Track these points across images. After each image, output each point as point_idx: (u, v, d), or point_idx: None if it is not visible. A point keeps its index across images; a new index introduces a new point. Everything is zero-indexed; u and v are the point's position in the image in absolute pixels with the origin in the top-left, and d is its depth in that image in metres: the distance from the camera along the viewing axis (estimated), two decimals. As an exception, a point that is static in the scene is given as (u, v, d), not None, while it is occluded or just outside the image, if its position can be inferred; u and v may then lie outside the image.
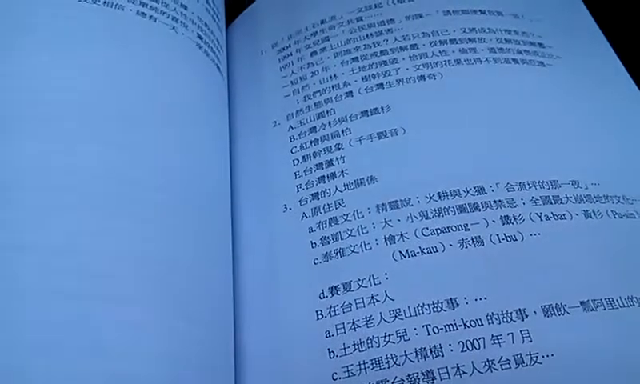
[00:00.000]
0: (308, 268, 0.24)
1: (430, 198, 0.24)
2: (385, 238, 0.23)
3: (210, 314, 0.23)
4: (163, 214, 0.23)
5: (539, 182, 0.24)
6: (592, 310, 0.21)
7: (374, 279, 0.23)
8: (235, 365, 0.23)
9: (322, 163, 0.27)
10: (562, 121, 0.27)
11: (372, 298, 0.22)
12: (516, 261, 0.22)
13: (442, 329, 0.21)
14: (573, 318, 0.21)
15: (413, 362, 0.21)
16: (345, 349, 0.21)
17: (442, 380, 0.20)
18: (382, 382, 0.21)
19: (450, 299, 0.22)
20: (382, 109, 0.27)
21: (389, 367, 0.21)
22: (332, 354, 0.22)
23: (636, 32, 0.33)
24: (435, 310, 0.21)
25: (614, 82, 0.29)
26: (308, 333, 0.22)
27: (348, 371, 0.21)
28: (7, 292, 0.19)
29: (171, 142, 0.25)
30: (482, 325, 0.21)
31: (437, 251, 0.23)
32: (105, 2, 0.26)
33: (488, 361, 0.20)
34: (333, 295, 0.23)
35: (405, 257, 0.23)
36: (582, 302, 0.21)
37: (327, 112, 0.28)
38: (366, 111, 0.27)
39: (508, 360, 0.20)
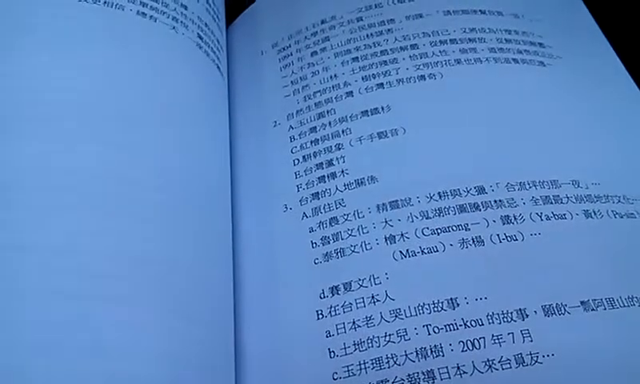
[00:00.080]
0: (308, 268, 0.24)
1: (431, 197, 0.24)
2: (385, 238, 0.23)
3: (210, 314, 0.23)
4: (163, 214, 0.23)
5: (539, 181, 0.24)
6: (592, 309, 0.21)
7: (374, 279, 0.23)
8: (235, 365, 0.23)
9: (322, 163, 0.26)
10: (562, 120, 0.27)
11: (372, 297, 0.22)
12: (516, 261, 0.22)
13: (442, 329, 0.21)
14: (573, 317, 0.21)
15: (413, 361, 0.21)
16: (345, 349, 0.21)
17: (442, 380, 0.20)
18: (382, 381, 0.21)
19: (451, 299, 0.22)
20: (383, 109, 0.27)
21: (389, 367, 0.21)
22: (332, 353, 0.22)
23: (636, 32, 0.33)
24: (436, 309, 0.21)
25: (614, 81, 0.29)
26: (308, 333, 0.22)
27: (348, 371, 0.21)
28: (7, 292, 0.19)
29: (171, 142, 0.25)
30: (483, 325, 0.21)
31: (437, 251, 0.23)
32: (105, 2, 0.26)
33: (488, 360, 0.20)
34: (333, 295, 0.23)
35: (405, 257, 0.23)
36: (582, 302, 0.21)
37: (327, 112, 0.28)
38: (367, 111, 0.27)
39: (508, 360, 0.20)
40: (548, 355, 0.20)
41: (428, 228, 0.23)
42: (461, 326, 0.21)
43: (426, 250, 0.23)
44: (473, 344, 0.21)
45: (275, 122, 0.29)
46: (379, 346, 0.21)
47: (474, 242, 0.23)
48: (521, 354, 0.20)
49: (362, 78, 0.29)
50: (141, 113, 0.24)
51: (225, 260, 0.25)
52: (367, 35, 0.30)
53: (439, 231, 0.23)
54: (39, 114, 0.22)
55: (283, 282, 0.24)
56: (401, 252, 0.23)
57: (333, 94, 0.29)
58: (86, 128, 0.23)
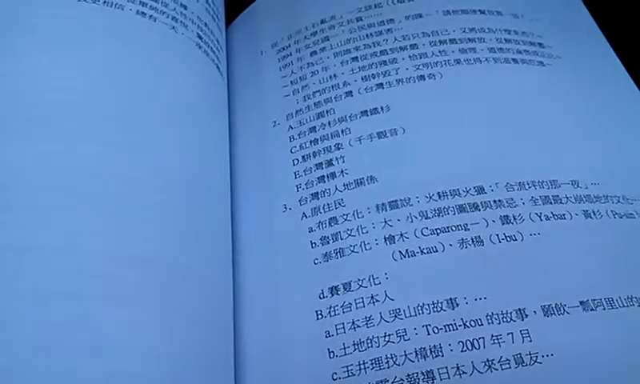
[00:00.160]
0: (308, 268, 0.24)
1: (430, 197, 0.24)
2: (385, 238, 0.23)
3: (209, 314, 0.23)
4: (163, 214, 0.23)
5: (539, 181, 0.24)
6: (592, 309, 0.21)
7: (373, 279, 0.23)
8: (235, 365, 0.23)
9: (321, 163, 0.27)
10: (561, 120, 0.27)
11: (372, 297, 0.22)
12: (516, 261, 0.22)
13: (441, 329, 0.21)
14: (572, 317, 0.21)
15: (413, 361, 0.21)
16: (345, 349, 0.21)
17: (441, 380, 0.20)
18: (381, 381, 0.21)
19: (450, 299, 0.22)
20: (382, 109, 0.27)
21: (389, 367, 0.21)
22: (332, 353, 0.22)
23: (636, 32, 0.33)
24: (435, 309, 0.21)
25: (614, 81, 0.29)
26: (308, 333, 0.22)
27: (348, 371, 0.21)
28: (7, 292, 0.19)
29: (171, 141, 0.25)
30: (482, 325, 0.21)
31: (436, 251, 0.23)
32: (104, 2, 0.26)
33: (488, 361, 0.20)
34: (333, 295, 0.23)
35: (405, 257, 0.23)
36: (581, 302, 0.21)
37: (327, 112, 0.28)
38: (366, 111, 0.27)
39: (508, 360, 0.20)
40: (547, 355, 0.20)
41: (427, 228, 0.23)
42: (460, 326, 0.21)
43: (425, 250, 0.23)
44: (472, 344, 0.21)
45: (275, 121, 0.29)
46: (379, 346, 0.21)
47: (473, 242, 0.23)
48: (520, 354, 0.20)
49: (362, 78, 0.29)
50: (140, 113, 0.24)
51: (224, 260, 0.25)
52: (367, 35, 0.30)
53: (438, 231, 0.23)
54: (39, 113, 0.22)
55: (283, 282, 0.24)
56: (400, 252, 0.23)
57: (332, 93, 0.29)
58: (85, 128, 0.23)
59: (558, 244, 0.23)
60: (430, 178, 0.25)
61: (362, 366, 0.21)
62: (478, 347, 0.20)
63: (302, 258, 0.24)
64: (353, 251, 0.23)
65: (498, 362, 0.20)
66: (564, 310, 0.21)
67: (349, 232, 0.24)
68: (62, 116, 0.22)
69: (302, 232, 0.25)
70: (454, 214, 0.24)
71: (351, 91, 0.28)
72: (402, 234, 0.23)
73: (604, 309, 0.21)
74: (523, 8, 0.32)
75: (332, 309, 0.22)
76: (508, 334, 0.21)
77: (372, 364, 0.21)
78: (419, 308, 0.22)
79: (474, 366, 0.20)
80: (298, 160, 0.27)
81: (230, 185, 0.28)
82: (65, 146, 0.22)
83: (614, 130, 0.27)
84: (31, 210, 0.20)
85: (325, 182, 0.26)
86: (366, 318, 0.22)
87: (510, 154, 0.25)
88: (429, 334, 0.21)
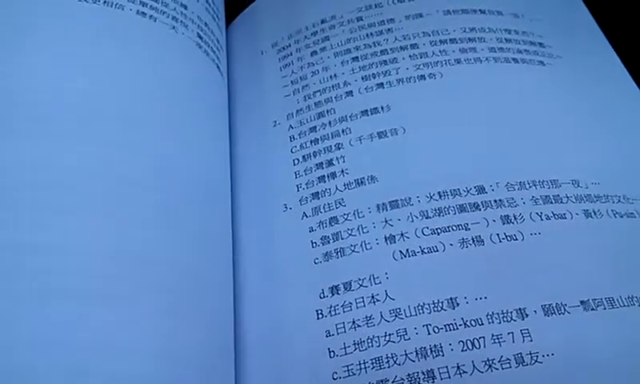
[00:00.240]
0: (308, 267, 0.24)
1: (431, 197, 0.24)
2: (385, 238, 0.23)
3: (209, 314, 0.23)
4: (163, 214, 0.23)
5: (539, 181, 0.24)
6: (592, 309, 0.21)
7: (374, 279, 0.23)
8: (235, 364, 0.23)
9: (322, 163, 0.26)
10: (562, 120, 0.27)
11: (372, 297, 0.22)
12: (516, 260, 0.22)
13: (442, 328, 0.21)
14: (573, 317, 0.21)
15: (413, 361, 0.21)
16: (345, 348, 0.21)
17: (442, 379, 0.20)
18: (382, 381, 0.21)
19: (451, 299, 0.22)
20: (382, 108, 0.27)
21: (389, 367, 0.21)
22: (332, 353, 0.22)
23: (636, 31, 0.33)
24: (435, 309, 0.21)
25: (614, 81, 0.29)
26: (308, 332, 0.22)
27: (348, 371, 0.21)
28: (7, 291, 0.19)
29: (171, 141, 0.25)
30: (483, 324, 0.21)
31: (437, 251, 0.23)
32: (105, 2, 0.26)
33: (488, 360, 0.20)
34: (333, 295, 0.23)
35: (405, 256, 0.23)
36: (582, 302, 0.21)
37: (327, 111, 0.28)
38: (366, 111, 0.27)
39: (508, 359, 0.20)
40: (548, 355, 0.20)
41: (428, 228, 0.23)
42: (461, 325, 0.21)
43: (425, 250, 0.23)
44: (473, 344, 0.21)
45: (275, 121, 0.29)
46: (379, 346, 0.21)
47: (473, 241, 0.23)
48: (521, 353, 0.20)
49: (362, 78, 0.29)
50: (140, 112, 0.24)
51: (225, 260, 0.25)
52: (367, 35, 0.30)
53: (439, 231, 0.23)
54: (39, 113, 0.22)
55: (283, 282, 0.24)
56: (401, 252, 0.23)
57: (333, 93, 0.29)
58: (85, 128, 0.23)
59: (558, 244, 0.23)
60: (430, 177, 0.25)
61: (363, 366, 0.21)
62: (478, 347, 0.20)
63: (303, 257, 0.24)
64: (353, 251, 0.23)
65: (499, 361, 0.20)
66: (564, 309, 0.21)
67: (349, 232, 0.24)
68: (61, 116, 0.22)
69: (302, 232, 0.25)
70: (455, 213, 0.24)
71: (351, 91, 0.28)
72: (402, 234, 0.23)
73: (604, 308, 0.21)
74: (523, 8, 0.32)
75: (332, 308, 0.22)
76: (508, 333, 0.21)
77: (372, 363, 0.21)
78: (420, 307, 0.22)
79: (474, 366, 0.20)
80: (298, 160, 0.27)
81: (231, 184, 0.28)
82: (64, 146, 0.22)
83: (615, 129, 0.27)
84: (31, 210, 0.20)
85: (325, 181, 0.26)
86: (366, 317, 0.22)
87: (511, 153, 0.25)
88: (429, 334, 0.21)
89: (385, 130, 0.27)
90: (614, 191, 0.24)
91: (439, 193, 0.24)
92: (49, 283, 0.19)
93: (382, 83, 0.28)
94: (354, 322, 0.22)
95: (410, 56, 0.29)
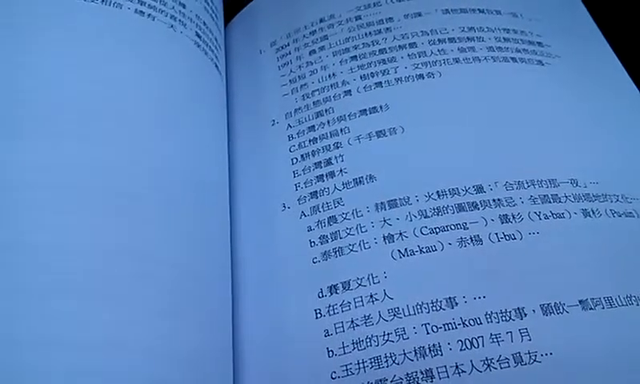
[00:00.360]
0: (307, 267, 0.24)
1: (429, 196, 0.24)
2: (384, 237, 0.23)
3: (208, 313, 0.22)
4: (161, 213, 0.23)
5: (538, 180, 0.24)
6: (591, 308, 0.21)
7: (372, 278, 0.23)
8: (234, 364, 0.23)
9: (320, 162, 0.26)
10: (560, 119, 0.27)
11: (371, 296, 0.22)
12: (515, 260, 0.22)
13: (440, 328, 0.21)
14: (571, 316, 0.21)
15: (412, 360, 0.21)
16: (344, 348, 0.21)
17: (440, 379, 0.20)
18: (380, 381, 0.21)
19: (449, 298, 0.22)
20: (381, 108, 0.27)
21: (388, 366, 0.21)
22: (331, 352, 0.22)
23: (634, 31, 0.33)
24: (434, 308, 0.21)
25: (613, 80, 0.29)
26: (307, 332, 0.22)
27: (347, 370, 0.21)
28: (7, 291, 0.19)
29: (169, 141, 0.25)
30: (481, 324, 0.21)
31: (435, 250, 0.23)
32: (103, 1, 0.26)
33: (487, 360, 0.20)
34: (332, 294, 0.23)
35: (404, 256, 0.23)
36: (580, 301, 0.21)
37: (326, 111, 0.28)
38: (365, 110, 0.27)
39: (507, 359, 0.20)
40: (546, 354, 0.20)
41: (426, 227, 0.23)
42: (459, 325, 0.21)
43: (424, 249, 0.23)
44: (471, 343, 0.21)
45: (273, 120, 0.29)
46: (378, 345, 0.21)
47: (472, 240, 0.23)
48: (519, 353, 0.20)
49: (361, 77, 0.29)
50: (138, 111, 0.24)
51: (223, 259, 0.25)
52: (366, 34, 0.30)
53: (438, 230, 0.23)
54: (36, 112, 0.22)
55: (282, 281, 0.24)
56: (399, 251, 0.23)
57: (331, 92, 0.29)
58: (83, 127, 0.22)
59: (557, 243, 0.23)
60: (429, 177, 0.25)
61: (361, 365, 0.21)
62: (477, 346, 0.20)
63: (301, 256, 0.24)
64: (352, 250, 0.23)
65: (497, 360, 0.20)
66: (563, 309, 0.21)
67: (348, 231, 0.24)
68: (59, 114, 0.22)
69: (301, 231, 0.25)
70: (453, 213, 0.24)
71: (350, 90, 0.28)
72: (401, 233, 0.23)
73: (603, 308, 0.21)
74: (522, 7, 0.32)
75: (331, 308, 0.22)
76: (507, 333, 0.21)
77: (371, 363, 0.21)
78: (418, 307, 0.22)
79: (473, 365, 0.20)
80: (296, 159, 0.27)
81: (229, 184, 0.28)
82: (62, 145, 0.22)
83: (613, 128, 0.27)
84: (31, 210, 0.20)
85: (324, 180, 0.26)
86: (365, 316, 0.22)
87: (509, 152, 0.25)
88: (428, 333, 0.21)
89: (383, 130, 0.27)
90: (612, 191, 0.24)
91: (438, 192, 0.24)
92: (48, 283, 0.19)
93: (380, 82, 0.28)
94: (352, 321, 0.22)
95: (408, 55, 0.29)
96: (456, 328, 0.21)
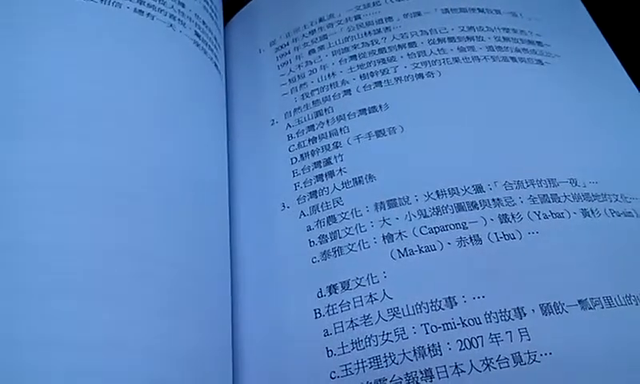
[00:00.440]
0: (306, 266, 0.24)
1: (429, 196, 0.24)
2: (383, 237, 0.23)
3: (207, 313, 0.23)
4: (161, 212, 0.23)
5: (537, 180, 0.24)
6: (590, 308, 0.21)
7: (372, 278, 0.23)
8: (233, 363, 0.23)
9: (320, 161, 0.26)
10: (560, 119, 0.27)
11: (370, 296, 0.22)
12: (514, 259, 0.22)
13: (440, 327, 0.21)
14: (571, 316, 0.21)
15: (411, 360, 0.21)
16: (343, 347, 0.21)
17: (440, 379, 0.20)
18: (380, 380, 0.21)
19: (449, 298, 0.22)
20: (381, 107, 0.27)
21: (387, 366, 0.21)
22: (330, 352, 0.22)
23: (634, 31, 0.33)
24: (433, 308, 0.21)
25: (612, 80, 0.29)
26: (306, 331, 0.22)
27: (346, 370, 0.21)
28: (7, 291, 0.19)
29: (169, 140, 0.25)
30: (481, 323, 0.21)
31: (435, 250, 0.23)
32: (102, 0, 0.26)
33: (486, 359, 0.20)
34: (331, 294, 0.23)
35: (403, 255, 0.23)
36: (580, 301, 0.21)
37: (325, 110, 0.28)
38: (364, 109, 0.27)
39: (506, 358, 0.20)
40: (546, 354, 0.20)
41: (426, 226, 0.23)
42: (459, 324, 0.21)
43: (423, 249, 0.23)
44: (471, 343, 0.21)
45: (273, 120, 0.29)
46: (377, 345, 0.21)
47: (471, 240, 0.23)
48: (518, 352, 0.20)
49: (360, 77, 0.29)
50: (138, 110, 0.24)
51: (222, 258, 0.25)
52: (365, 33, 0.30)
53: (437, 230, 0.23)
54: (37, 112, 0.22)
55: (281, 281, 0.24)
56: (399, 250, 0.23)
57: (331, 92, 0.29)
58: (83, 127, 0.22)
59: (556, 243, 0.23)
60: (428, 176, 0.25)
61: (361, 365, 0.21)
62: (476, 346, 0.20)
63: (301, 256, 0.24)
64: (351, 250, 0.23)
65: (497, 360, 0.20)
66: (562, 308, 0.21)
67: (347, 230, 0.24)
68: (59, 114, 0.22)
69: (300, 230, 0.25)
70: (453, 212, 0.24)
71: (350, 90, 0.28)
72: (400, 233, 0.23)
73: (602, 307, 0.21)
74: (522, 6, 0.32)
75: (330, 307, 0.22)
76: (506, 332, 0.21)
77: (370, 363, 0.21)
78: (418, 307, 0.22)
79: (472, 365, 0.20)
80: (296, 158, 0.27)
81: (228, 183, 0.28)
82: (62, 144, 0.22)
83: (613, 128, 0.27)
84: (31, 210, 0.20)
85: (323, 180, 0.26)
86: (364, 316, 0.22)
87: (509, 152, 0.25)
88: (427, 333, 0.21)
89: (383, 129, 0.27)
90: (612, 190, 0.24)
91: (437, 192, 0.24)
92: (48, 283, 0.19)
93: (380, 82, 0.28)
94: (351, 321, 0.22)
95: (408, 55, 0.29)
96: (455, 328, 0.21)
